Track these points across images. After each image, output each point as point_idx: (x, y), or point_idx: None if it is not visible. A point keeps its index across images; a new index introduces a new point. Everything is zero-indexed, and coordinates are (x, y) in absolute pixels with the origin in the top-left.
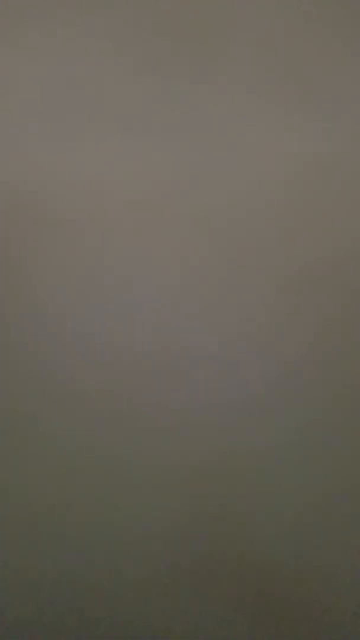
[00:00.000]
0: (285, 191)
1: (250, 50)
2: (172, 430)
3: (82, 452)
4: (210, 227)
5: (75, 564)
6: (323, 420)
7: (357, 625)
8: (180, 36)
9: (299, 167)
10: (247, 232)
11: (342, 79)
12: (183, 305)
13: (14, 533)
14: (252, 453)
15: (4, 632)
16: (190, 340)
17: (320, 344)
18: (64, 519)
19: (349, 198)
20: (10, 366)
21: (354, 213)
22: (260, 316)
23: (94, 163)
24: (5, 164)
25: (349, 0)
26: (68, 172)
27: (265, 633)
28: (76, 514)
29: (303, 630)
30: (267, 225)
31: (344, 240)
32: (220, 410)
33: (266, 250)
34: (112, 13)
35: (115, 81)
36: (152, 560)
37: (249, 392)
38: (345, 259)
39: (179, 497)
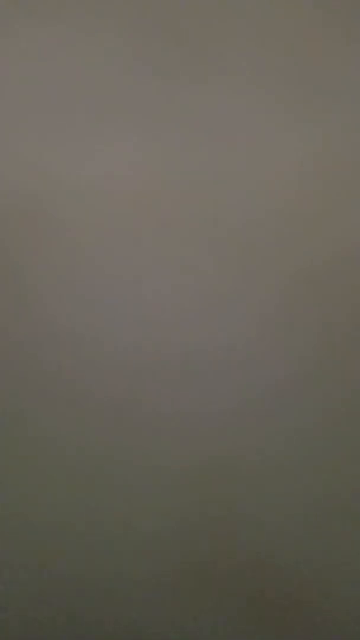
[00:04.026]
0: (287, 192)
1: (252, 50)
2: (174, 432)
3: (83, 454)
4: (212, 228)
5: (76, 565)
6: (324, 423)
7: (357, 626)
8: (180, 36)
9: (300, 166)
10: (249, 233)
11: (343, 79)
12: (185, 307)
13: (15, 535)
14: (254, 455)
15: (5, 632)
16: (192, 343)
17: (323, 346)
18: (65, 521)
19: (351, 199)
20: (10, 369)
21: (357, 214)
22: (262, 318)
23: (94, 164)
24: (4, 165)
25: (349, 0)
26: (68, 173)
27: (266, 633)
28: (77, 515)
29: (304, 631)
30: (269, 225)
31: (347, 242)
32: (221, 413)
33: (268, 251)
34: (112, 13)
35: (116, 81)
36: (153, 561)
37: (251, 395)
38: (349, 261)
39: (180, 499)
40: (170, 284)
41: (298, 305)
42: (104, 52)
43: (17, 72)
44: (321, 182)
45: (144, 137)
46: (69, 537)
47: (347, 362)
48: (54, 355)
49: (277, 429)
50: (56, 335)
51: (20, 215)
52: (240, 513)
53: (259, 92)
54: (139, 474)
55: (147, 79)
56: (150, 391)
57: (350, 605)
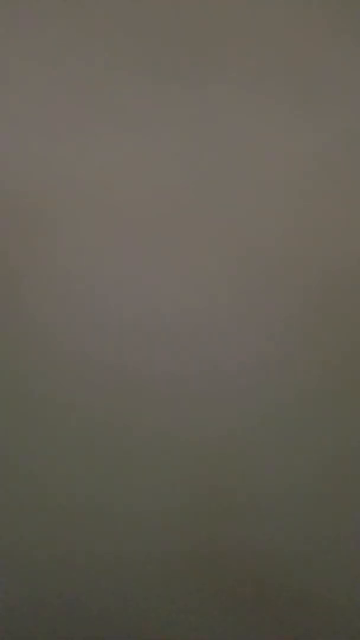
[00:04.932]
0: (293, 198)
1: (252, 50)
2: (177, 430)
3: (83, 445)
4: (212, 230)
5: (73, 553)
6: (324, 417)
7: (355, 616)
8: (181, 35)
9: (303, 167)
10: (250, 235)
11: (344, 78)
12: (186, 302)
13: (14, 520)
14: (253, 445)
15: (2, 618)
16: (195, 346)
17: (340, 358)
18: (62, 508)
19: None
20: (9, 369)
21: None
22: (272, 328)
23: (94, 164)
24: (4, 164)
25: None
26: (68, 173)
27: (262, 623)
28: (74, 503)
29: (300, 621)
30: (269, 226)
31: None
32: (221, 411)
33: (270, 256)
34: (112, 12)
35: (116, 80)
36: (149, 551)
37: (261, 404)
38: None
39: (179, 491)
40: (169, 281)
41: (309, 316)
42: (105, 52)
43: (19, 72)
44: (328, 185)
45: (145, 136)
46: (67, 525)
47: (356, 376)
48: (52, 361)
49: (277, 423)
50: (53, 339)
51: (19, 214)
52: (239, 503)
53: (259, 93)
54: (139, 467)
55: (147, 78)
56: (155, 403)
57: (348, 595)
